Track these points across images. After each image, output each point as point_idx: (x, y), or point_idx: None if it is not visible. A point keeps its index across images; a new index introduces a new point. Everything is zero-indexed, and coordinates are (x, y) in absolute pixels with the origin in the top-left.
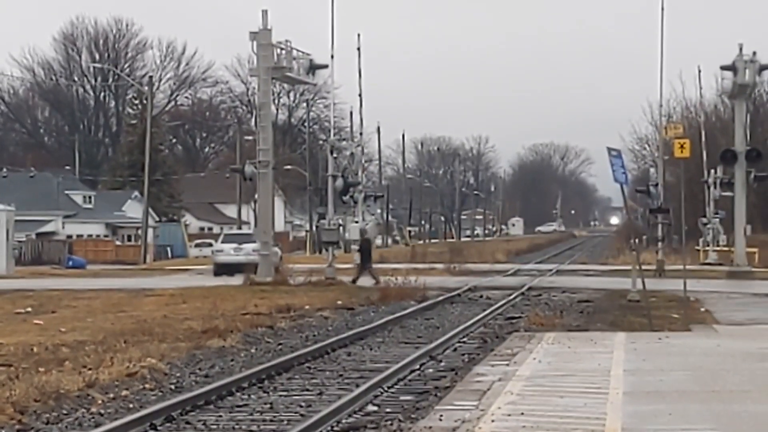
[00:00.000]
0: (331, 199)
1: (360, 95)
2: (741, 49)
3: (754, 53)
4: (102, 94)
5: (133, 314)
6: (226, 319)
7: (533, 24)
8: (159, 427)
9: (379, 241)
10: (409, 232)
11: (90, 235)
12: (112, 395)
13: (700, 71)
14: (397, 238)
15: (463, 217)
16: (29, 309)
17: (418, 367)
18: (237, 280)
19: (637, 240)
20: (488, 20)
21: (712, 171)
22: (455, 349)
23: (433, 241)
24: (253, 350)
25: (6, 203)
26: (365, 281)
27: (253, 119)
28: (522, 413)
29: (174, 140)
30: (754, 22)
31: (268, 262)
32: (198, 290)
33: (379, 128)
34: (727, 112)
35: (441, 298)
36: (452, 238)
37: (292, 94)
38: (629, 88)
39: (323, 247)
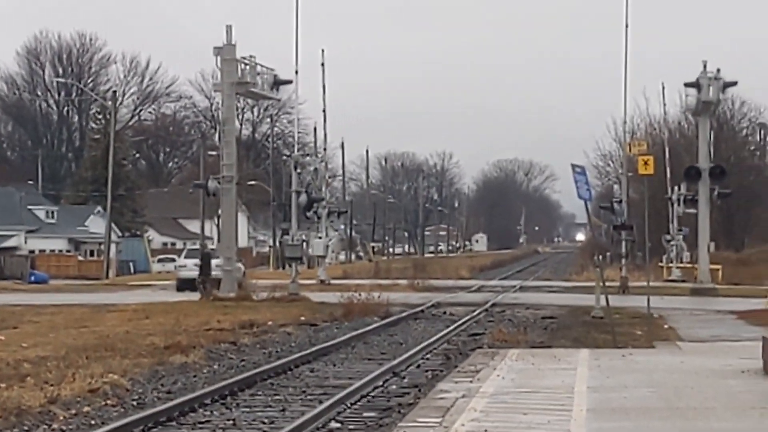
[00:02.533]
0: (295, 214)
1: (324, 111)
2: (705, 66)
3: (718, 70)
4: (65, 108)
5: (96, 330)
6: (188, 335)
7: (497, 41)
8: None
9: (342, 257)
10: (373, 247)
11: (53, 250)
12: (74, 411)
13: (664, 88)
14: (361, 253)
15: (426, 233)
16: None
17: (381, 383)
18: (200, 295)
19: (600, 256)
20: (452, 37)
21: (676, 188)
22: (419, 366)
23: (396, 256)
24: (216, 366)
25: None
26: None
27: (216, 134)
28: (485, 430)
29: (137, 155)
30: (718, 39)
31: (231, 278)
32: (161, 306)
33: (343, 144)
34: (691, 128)
35: (404, 314)
36: (416, 253)
37: (256, 110)
38: (593, 105)
39: (287, 262)
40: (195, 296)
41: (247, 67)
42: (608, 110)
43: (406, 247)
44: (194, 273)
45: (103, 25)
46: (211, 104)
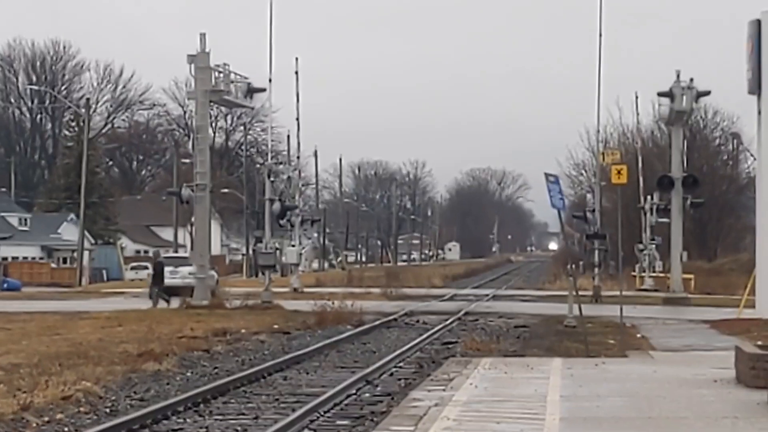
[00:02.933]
0: (268, 222)
1: (297, 119)
2: (678, 76)
3: (692, 80)
4: (39, 116)
5: (69, 337)
6: (161, 343)
7: (470, 51)
8: None
9: (315, 265)
10: (346, 256)
11: (26, 258)
12: (47, 418)
13: (637, 97)
14: (334, 262)
15: (399, 241)
16: None
17: (354, 391)
18: (173, 303)
19: (573, 265)
20: (425, 46)
21: (649, 197)
22: (392, 374)
23: (369, 265)
24: (188, 374)
25: None
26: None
27: (190, 142)
28: None
29: (111, 163)
30: (692, 49)
31: (204, 286)
32: (134, 313)
33: (316, 152)
34: (664, 138)
35: (377, 322)
36: (389, 262)
37: (229, 118)
38: (566, 114)
39: (260, 270)
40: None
41: (221, 75)
42: (581, 119)
43: (379, 255)
44: (167, 281)
45: (77, 33)
46: (185, 112)
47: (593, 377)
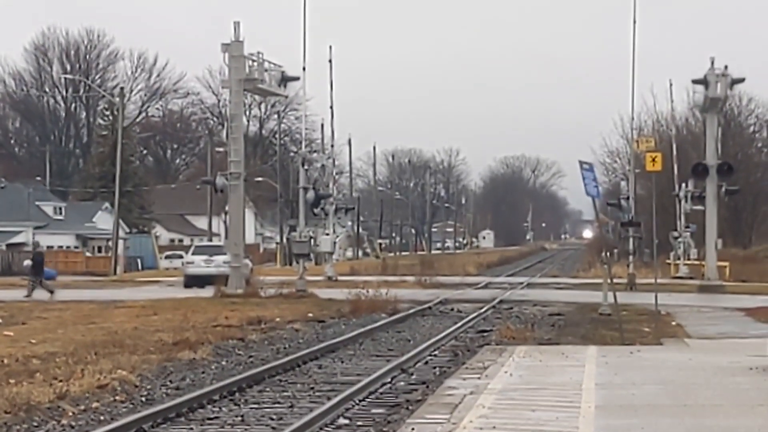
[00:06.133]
0: (302, 211)
1: (331, 107)
2: (713, 63)
3: (726, 67)
4: (73, 105)
5: (104, 326)
6: (196, 331)
7: (505, 37)
8: None
9: (349, 254)
10: (380, 244)
11: (60, 247)
12: (82, 407)
13: (671, 85)
14: (368, 250)
15: (433, 229)
16: None
17: (389, 380)
18: (208, 292)
19: (608, 253)
20: (460, 33)
21: (683, 184)
22: (426, 362)
23: (403, 253)
24: (224, 362)
25: None
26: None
27: (224, 131)
28: (494, 427)
29: (145, 151)
30: (726, 35)
31: (238, 274)
32: (169, 302)
33: (350, 140)
34: (698, 125)
35: (412, 310)
36: (423, 250)
37: (263, 106)
38: (600, 101)
39: (294, 259)
40: (203, 293)
41: (255, 63)
42: (615, 107)
43: (413, 243)
44: (202, 270)
45: (111, 22)
46: (219, 101)
47: (628, 365)
